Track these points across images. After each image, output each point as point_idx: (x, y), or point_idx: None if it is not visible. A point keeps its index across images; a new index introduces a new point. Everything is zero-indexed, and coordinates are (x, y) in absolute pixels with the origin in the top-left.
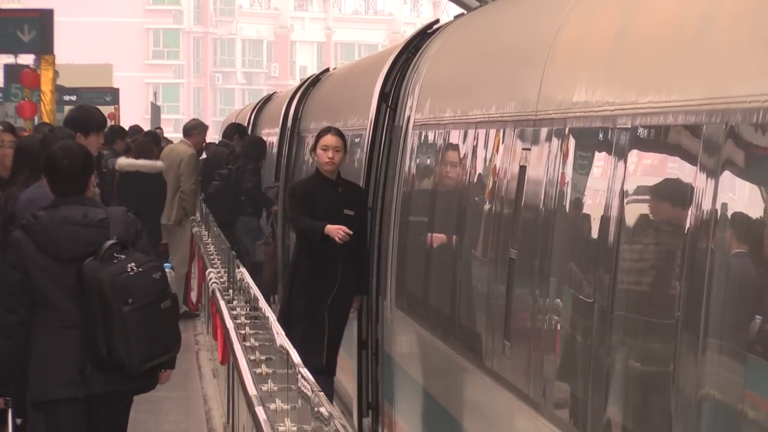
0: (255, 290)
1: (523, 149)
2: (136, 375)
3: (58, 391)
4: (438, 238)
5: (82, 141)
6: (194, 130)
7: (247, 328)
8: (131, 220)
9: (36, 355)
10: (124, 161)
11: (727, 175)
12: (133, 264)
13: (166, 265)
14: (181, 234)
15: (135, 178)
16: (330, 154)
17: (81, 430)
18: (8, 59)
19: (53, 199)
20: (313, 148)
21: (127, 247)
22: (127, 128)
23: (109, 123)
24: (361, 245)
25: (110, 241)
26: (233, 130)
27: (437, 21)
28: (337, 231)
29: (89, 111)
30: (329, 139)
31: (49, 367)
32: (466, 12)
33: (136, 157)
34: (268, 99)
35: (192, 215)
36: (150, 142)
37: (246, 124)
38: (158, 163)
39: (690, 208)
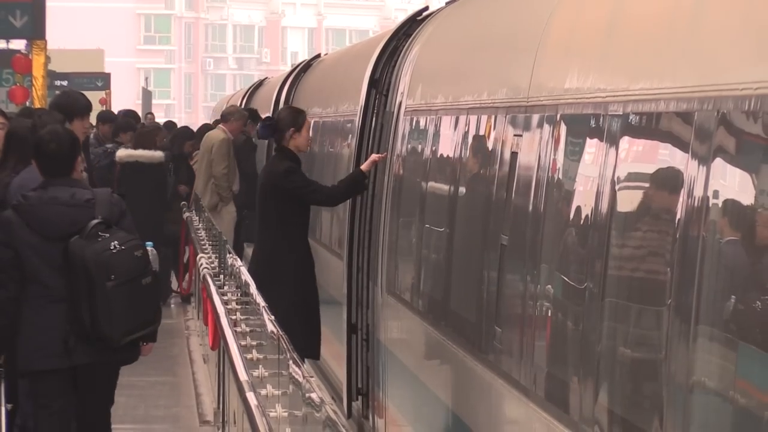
0: (246, 276)
1: (515, 135)
2: (118, 347)
3: (44, 362)
4: (429, 223)
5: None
6: (231, 116)
7: (238, 314)
8: (116, 200)
9: (24, 328)
10: (123, 152)
11: (718, 162)
12: (116, 242)
13: (147, 243)
14: (219, 221)
15: (135, 169)
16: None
17: (68, 399)
18: (0, 44)
19: (42, 180)
20: (298, 129)
21: (111, 226)
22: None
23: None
24: None
25: (95, 221)
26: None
27: (427, 8)
28: (372, 162)
29: (72, 97)
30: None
31: (36, 339)
32: None
33: (135, 148)
34: (259, 84)
35: (227, 201)
36: (150, 132)
37: None
38: (157, 153)
39: (681, 195)
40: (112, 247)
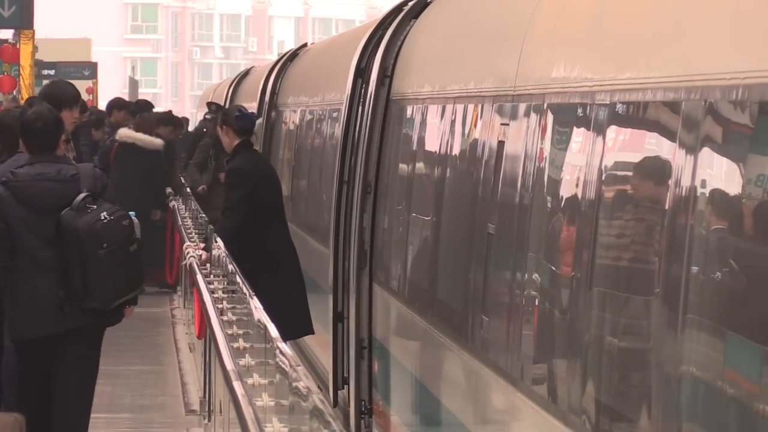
0: (232, 264)
1: (502, 124)
2: (108, 310)
3: (39, 330)
4: (416, 212)
5: None
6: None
7: (224, 302)
8: (98, 174)
9: (15, 298)
10: (123, 132)
11: (705, 152)
12: (105, 213)
13: (131, 213)
14: None
15: (132, 150)
16: None
17: (45, 366)
18: None
19: (29, 157)
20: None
21: (96, 198)
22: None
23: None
24: None
25: (83, 194)
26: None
27: None
28: None
29: (60, 87)
30: None
31: (28, 309)
32: None
33: (136, 131)
34: (246, 73)
35: None
36: (150, 119)
37: (224, 99)
38: (157, 141)
39: (669, 185)
40: (102, 218)
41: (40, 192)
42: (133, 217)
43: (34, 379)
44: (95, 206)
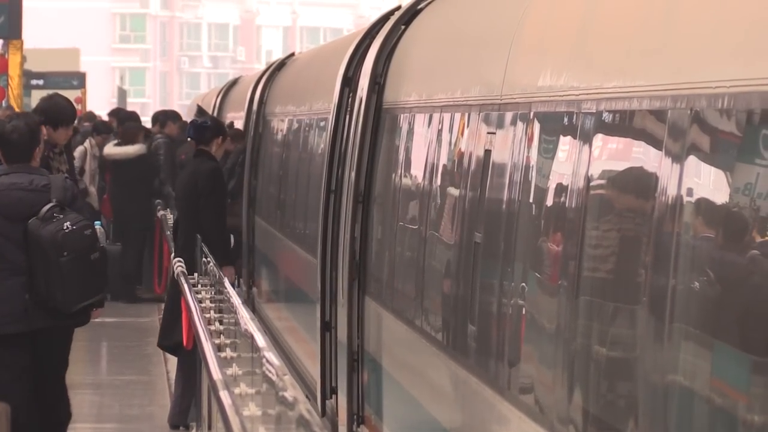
0: (220, 274)
1: (488, 133)
2: (70, 313)
3: (9, 327)
4: (403, 221)
5: (50, 133)
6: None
7: (212, 312)
8: (69, 185)
9: None
10: (107, 149)
11: (692, 160)
12: (68, 223)
13: (96, 222)
14: None
15: (118, 164)
16: None
17: (28, 363)
18: None
19: (3, 167)
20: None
21: (64, 208)
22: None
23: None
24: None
25: (50, 204)
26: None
27: (399, 7)
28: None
29: (59, 105)
30: None
31: (0, 307)
32: None
33: (121, 144)
34: (234, 83)
35: None
36: (135, 129)
37: (212, 108)
38: (132, 148)
39: (655, 193)
40: (64, 228)
41: (12, 201)
42: (98, 227)
43: (16, 372)
44: (61, 216)
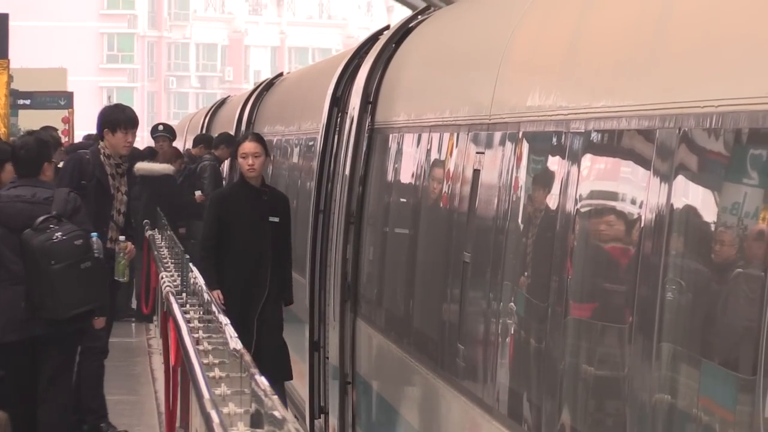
0: (208, 294)
1: (477, 153)
2: (65, 320)
3: (11, 335)
4: (392, 241)
5: (108, 138)
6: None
7: (200, 332)
8: (71, 198)
9: None
10: (138, 165)
11: (680, 180)
12: (60, 233)
13: (93, 234)
14: None
15: (145, 180)
16: (250, 161)
17: (26, 369)
18: None
19: (12, 180)
20: (235, 157)
21: (62, 220)
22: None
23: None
24: (285, 253)
25: (45, 215)
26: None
27: (388, 26)
28: (217, 300)
29: (117, 109)
30: (247, 146)
31: (1, 314)
32: (412, 12)
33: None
34: (222, 103)
35: None
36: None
37: (200, 128)
38: (157, 166)
39: (643, 212)
40: (54, 238)
41: (14, 212)
42: (95, 239)
43: (16, 380)
44: (57, 227)
